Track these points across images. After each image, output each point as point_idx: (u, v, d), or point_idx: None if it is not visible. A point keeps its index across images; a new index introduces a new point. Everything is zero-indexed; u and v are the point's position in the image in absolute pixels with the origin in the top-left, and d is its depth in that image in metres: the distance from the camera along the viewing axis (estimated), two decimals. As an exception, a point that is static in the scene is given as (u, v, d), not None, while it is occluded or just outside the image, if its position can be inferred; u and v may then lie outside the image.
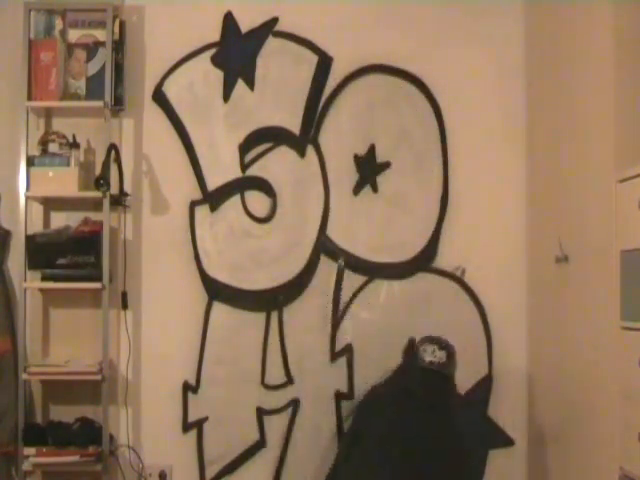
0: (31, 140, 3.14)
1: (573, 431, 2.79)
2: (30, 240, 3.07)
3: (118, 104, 3.18)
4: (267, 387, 3.24)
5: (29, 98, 3.11)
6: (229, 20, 3.28)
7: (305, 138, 3.29)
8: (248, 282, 3.26)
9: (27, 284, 3.09)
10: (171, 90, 3.28)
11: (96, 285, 3.06)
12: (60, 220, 3.23)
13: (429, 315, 3.25)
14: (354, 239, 3.28)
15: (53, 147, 3.12)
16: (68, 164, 3.10)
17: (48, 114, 3.25)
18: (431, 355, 2.85)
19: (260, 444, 3.24)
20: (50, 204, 3.24)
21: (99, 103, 3.10)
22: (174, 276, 3.25)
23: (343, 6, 3.30)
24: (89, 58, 3.17)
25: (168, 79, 3.28)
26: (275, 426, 3.24)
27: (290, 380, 3.25)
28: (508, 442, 3.25)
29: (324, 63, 3.29)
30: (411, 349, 2.96)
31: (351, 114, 3.30)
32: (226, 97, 3.29)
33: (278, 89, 3.29)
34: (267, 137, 3.29)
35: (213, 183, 3.28)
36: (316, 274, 3.27)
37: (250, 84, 3.29)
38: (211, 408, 3.23)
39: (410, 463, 2.56)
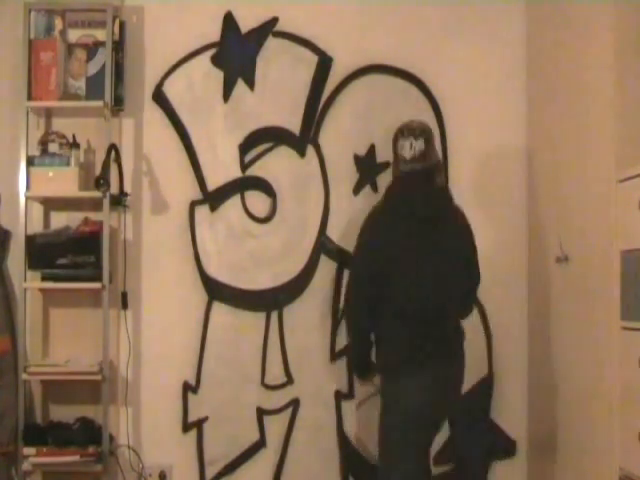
0: (31, 140, 3.14)
1: (573, 431, 2.79)
2: (30, 240, 3.07)
3: (118, 104, 3.18)
4: (267, 387, 3.24)
5: (29, 98, 3.11)
6: (229, 20, 3.28)
7: (305, 138, 3.29)
8: (248, 282, 3.26)
9: (27, 284, 3.09)
10: (171, 90, 3.28)
11: (96, 285, 3.05)
12: (60, 220, 3.22)
13: (429, 315, 3.25)
14: (354, 239, 3.27)
15: (53, 147, 3.11)
16: (68, 164, 3.10)
17: (48, 114, 3.25)
18: (410, 150, 2.76)
19: (260, 444, 3.24)
20: (50, 204, 3.24)
21: (99, 103, 3.10)
22: (174, 276, 3.25)
23: (343, 6, 3.30)
24: (89, 58, 3.17)
25: (168, 79, 3.28)
26: (275, 426, 3.24)
27: (290, 380, 3.25)
28: (510, 448, 3.26)
29: (324, 63, 3.29)
30: (394, 145, 2.85)
31: (351, 114, 3.30)
32: (226, 97, 3.28)
33: (278, 89, 3.29)
34: (267, 137, 3.29)
35: (213, 183, 3.28)
36: (316, 274, 3.27)
37: (250, 84, 3.29)
38: (211, 408, 3.23)
39: (443, 277, 2.70)
